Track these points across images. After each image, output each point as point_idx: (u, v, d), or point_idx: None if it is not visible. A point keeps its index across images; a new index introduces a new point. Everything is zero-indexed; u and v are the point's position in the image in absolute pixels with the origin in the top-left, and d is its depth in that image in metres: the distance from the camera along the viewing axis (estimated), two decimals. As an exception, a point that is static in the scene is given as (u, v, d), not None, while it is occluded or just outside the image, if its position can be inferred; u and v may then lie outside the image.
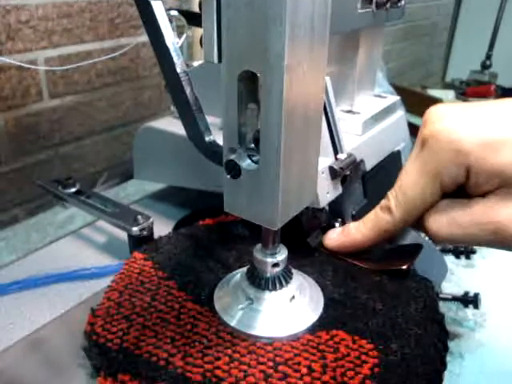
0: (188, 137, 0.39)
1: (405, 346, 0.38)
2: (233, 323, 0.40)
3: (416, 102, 1.65)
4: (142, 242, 0.51)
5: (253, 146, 0.35)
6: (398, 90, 1.22)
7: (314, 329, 0.40)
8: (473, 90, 1.73)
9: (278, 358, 0.37)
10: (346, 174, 0.47)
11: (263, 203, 0.34)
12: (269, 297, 0.40)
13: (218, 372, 0.36)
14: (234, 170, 0.35)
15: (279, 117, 0.31)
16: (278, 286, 0.40)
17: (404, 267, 0.45)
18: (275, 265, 0.39)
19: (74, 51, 0.88)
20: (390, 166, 0.58)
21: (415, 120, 1.66)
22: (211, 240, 0.51)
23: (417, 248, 0.47)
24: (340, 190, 0.47)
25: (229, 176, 0.35)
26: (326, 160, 0.46)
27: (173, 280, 0.45)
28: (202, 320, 0.41)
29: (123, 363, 0.37)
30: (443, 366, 0.38)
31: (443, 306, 0.59)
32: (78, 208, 0.55)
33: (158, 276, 0.46)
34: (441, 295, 0.60)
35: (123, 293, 0.44)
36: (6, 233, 0.69)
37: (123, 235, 0.52)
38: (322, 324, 0.40)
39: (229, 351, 0.38)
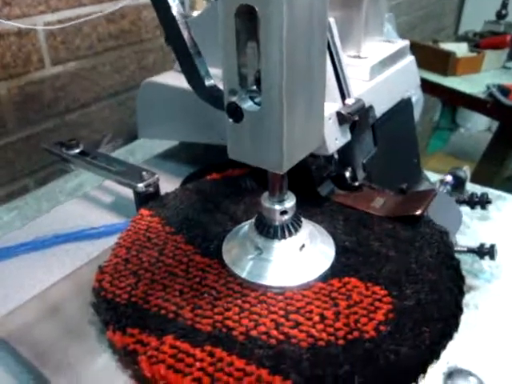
0: (188, 82, 0.37)
1: (419, 292, 0.37)
2: (242, 274, 0.39)
3: (427, 57, 1.61)
4: (148, 198, 0.50)
5: (255, 87, 0.33)
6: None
7: (325, 277, 0.39)
8: (487, 41, 1.67)
9: (289, 307, 0.36)
10: (355, 119, 0.45)
11: (268, 146, 0.33)
12: (278, 246, 0.39)
13: (228, 322, 0.35)
14: (235, 112, 0.33)
15: (280, 53, 0.29)
16: (287, 234, 0.39)
17: (417, 213, 0.44)
18: (283, 212, 0.38)
19: (73, 15, 0.86)
20: (401, 113, 0.56)
21: (427, 75, 1.62)
22: (218, 194, 0.50)
23: (430, 194, 0.46)
24: (349, 136, 0.45)
25: (231, 120, 0.34)
26: (333, 105, 0.44)
27: (180, 234, 0.45)
28: (210, 272, 0.40)
29: (132, 317, 0.36)
30: (459, 309, 0.37)
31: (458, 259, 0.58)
32: (83, 169, 0.54)
33: (165, 231, 0.45)
34: (456, 248, 0.58)
35: (130, 249, 0.43)
36: (17, 202, 0.68)
37: (130, 194, 0.51)
38: (334, 272, 0.39)
39: (239, 302, 0.37)
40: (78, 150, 0.56)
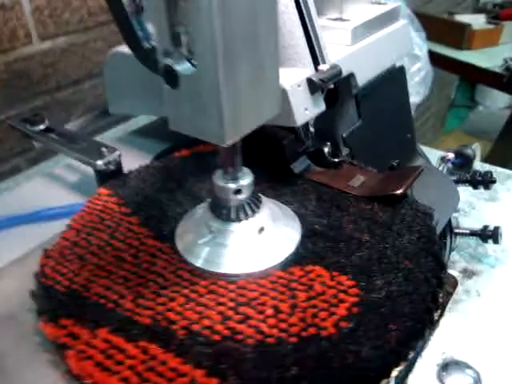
0: (125, 42, 0.33)
1: (392, 283, 0.33)
2: (193, 260, 0.35)
3: (441, 30, 1.52)
4: (110, 177, 0.46)
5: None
6: (421, 17, 1.10)
7: (286, 264, 0.35)
8: (507, 12, 1.57)
9: (240, 298, 0.32)
10: (329, 87, 0.40)
11: (207, 115, 0.28)
12: (234, 229, 0.35)
13: (169, 314, 0.31)
14: (171, 76, 0.29)
15: (210, 10, 0.25)
16: (242, 215, 0.35)
17: (398, 192, 0.39)
18: (237, 191, 0.34)
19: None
20: (391, 83, 0.51)
21: (441, 49, 1.54)
22: (184, 172, 0.46)
23: (414, 171, 0.41)
24: (323, 106, 0.40)
25: (168, 86, 0.29)
26: (302, 71, 0.39)
27: (136, 215, 0.41)
28: (160, 257, 0.36)
29: (69, 306, 0.33)
30: (435, 304, 0.32)
31: (462, 242, 0.53)
32: (45, 146, 0.51)
33: (120, 212, 0.41)
34: (458, 230, 0.54)
35: (81, 231, 0.40)
36: (7, 183, 0.65)
37: (95, 173, 0.47)
38: (297, 259, 0.35)
39: (186, 291, 0.33)
40: (42, 126, 0.52)
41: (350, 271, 0.34)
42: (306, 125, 0.44)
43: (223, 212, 0.35)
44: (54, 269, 0.36)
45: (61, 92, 0.89)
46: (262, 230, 0.35)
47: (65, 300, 0.33)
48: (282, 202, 0.40)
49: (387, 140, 0.52)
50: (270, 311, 0.31)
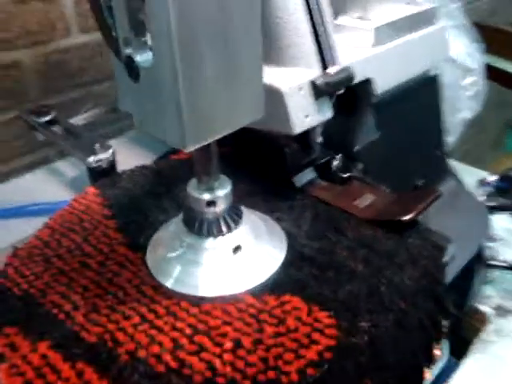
0: (100, 32, 0.30)
1: (379, 326, 0.28)
2: (159, 276, 0.31)
3: (505, 43, 1.40)
4: (103, 175, 0.43)
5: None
6: (485, 30, 1.01)
7: (260, 291, 0.30)
8: None
9: (200, 325, 0.28)
10: (340, 93, 0.36)
11: (167, 114, 0.25)
12: (207, 246, 0.31)
13: (118, 335, 0.28)
14: (132, 68, 0.25)
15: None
16: (216, 231, 0.31)
17: (405, 218, 0.34)
18: (211, 203, 0.30)
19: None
20: (419, 93, 0.45)
21: (505, 65, 1.42)
22: (177, 176, 0.42)
23: (429, 194, 0.35)
24: (330, 113, 0.36)
25: (131, 78, 0.26)
26: (306, 72, 0.34)
27: (115, 219, 0.38)
28: (128, 268, 0.33)
29: (19, 313, 0.30)
30: (428, 357, 0.27)
31: (499, 276, 0.47)
32: (47, 138, 0.49)
33: (102, 214, 0.39)
34: (492, 262, 0.48)
35: (56, 231, 0.37)
36: (36, 175, 0.65)
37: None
38: (274, 286, 0.31)
39: (143, 309, 0.30)
40: (47, 118, 0.51)
41: (333, 307, 0.29)
42: (312, 134, 0.39)
43: (195, 226, 0.31)
44: (17, 269, 0.34)
45: (97, 85, 0.88)
46: (238, 248, 0.31)
47: (17, 305, 0.31)
48: (274, 218, 0.36)
49: (411, 156, 0.46)
50: (228, 344, 0.27)
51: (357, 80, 0.37)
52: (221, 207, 0.30)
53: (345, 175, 0.40)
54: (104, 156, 0.42)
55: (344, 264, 0.32)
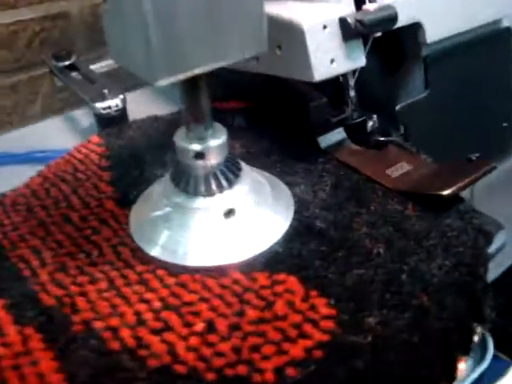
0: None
1: (389, 324, 0.22)
2: (137, 237, 0.27)
3: None
4: (113, 123, 0.40)
5: None
6: None
7: (250, 265, 0.25)
8: None
9: (171, 299, 0.24)
10: (376, 36, 0.29)
11: (135, 41, 0.20)
12: (195, 206, 0.26)
13: (78, 300, 0.24)
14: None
15: None
16: (203, 189, 0.26)
17: (444, 193, 0.27)
18: (199, 155, 0.25)
19: None
20: (485, 48, 0.37)
21: None
22: None
23: (480, 166, 0.28)
24: (362, 61, 0.29)
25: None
26: (335, 8, 0.28)
27: (110, 171, 0.34)
28: (109, 225, 0.29)
29: None
30: (447, 379, 0.21)
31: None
32: (64, 83, 0.46)
33: (98, 165, 0.35)
34: None
35: (47, 180, 0.34)
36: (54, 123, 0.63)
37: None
38: (269, 261, 0.25)
39: (114, 274, 0.25)
40: (67, 63, 0.47)
41: (335, 293, 0.23)
42: (344, 86, 0.33)
43: (182, 182, 0.26)
44: (-3, 217, 0.31)
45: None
46: (230, 212, 0.26)
47: None
48: (286, 182, 0.30)
49: (467, 125, 0.38)
50: (199, 326, 0.22)
51: (401, 23, 0.30)
52: (212, 161, 0.25)
53: (381, 139, 0.34)
54: (114, 103, 0.38)
55: (360, 243, 0.26)
